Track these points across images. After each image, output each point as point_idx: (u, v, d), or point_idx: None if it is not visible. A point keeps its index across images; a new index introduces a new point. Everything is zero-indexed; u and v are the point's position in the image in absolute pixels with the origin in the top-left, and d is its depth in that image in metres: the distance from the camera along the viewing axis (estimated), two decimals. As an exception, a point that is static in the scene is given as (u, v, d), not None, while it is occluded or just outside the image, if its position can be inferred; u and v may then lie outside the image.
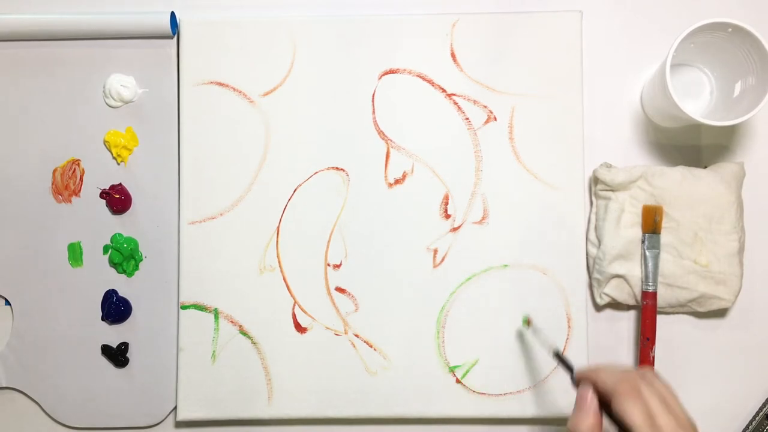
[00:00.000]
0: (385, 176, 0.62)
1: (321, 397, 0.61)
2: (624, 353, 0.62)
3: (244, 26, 0.62)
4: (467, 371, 0.61)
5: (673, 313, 0.62)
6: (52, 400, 0.63)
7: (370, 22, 0.62)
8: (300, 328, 0.62)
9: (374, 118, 0.62)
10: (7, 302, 0.63)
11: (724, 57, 0.59)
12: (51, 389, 0.62)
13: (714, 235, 0.59)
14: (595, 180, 0.61)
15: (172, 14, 0.63)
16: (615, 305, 0.62)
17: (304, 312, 0.62)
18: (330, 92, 0.62)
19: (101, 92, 0.63)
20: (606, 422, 0.47)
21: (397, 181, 0.62)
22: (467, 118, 0.62)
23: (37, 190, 0.63)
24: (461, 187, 0.62)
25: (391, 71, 0.62)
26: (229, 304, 0.62)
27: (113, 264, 0.63)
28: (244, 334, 0.61)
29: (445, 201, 0.62)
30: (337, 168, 0.62)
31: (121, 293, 0.63)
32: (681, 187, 0.59)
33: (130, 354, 0.63)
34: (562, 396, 0.60)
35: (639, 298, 0.60)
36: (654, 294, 0.59)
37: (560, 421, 0.62)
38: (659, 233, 0.59)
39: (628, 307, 0.62)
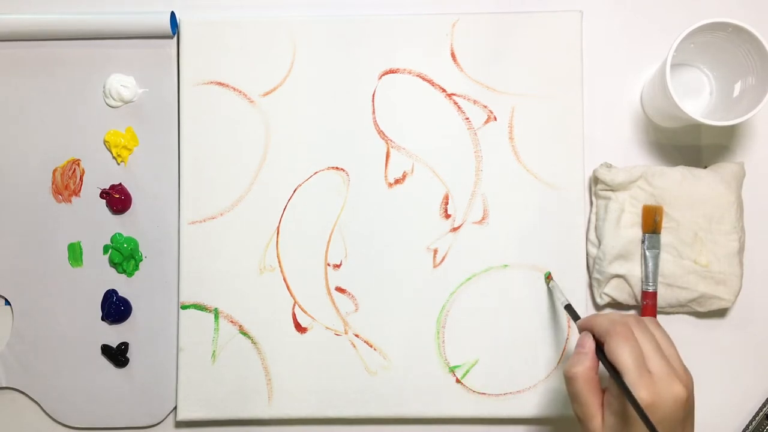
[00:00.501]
0: (385, 176, 0.62)
1: (321, 397, 0.61)
2: (624, 353, 0.62)
3: (244, 26, 0.62)
4: (467, 371, 0.61)
5: (673, 313, 0.62)
6: (52, 400, 0.63)
7: (370, 22, 0.62)
8: (300, 328, 0.62)
9: (374, 118, 0.62)
10: (7, 302, 0.63)
11: (724, 57, 0.59)
12: (51, 389, 0.62)
13: (714, 235, 0.59)
14: (595, 180, 0.61)
15: (172, 14, 0.63)
16: (615, 305, 0.62)
17: (304, 312, 0.62)
18: (330, 92, 0.62)
19: (101, 92, 0.63)
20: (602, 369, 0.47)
21: (397, 181, 0.62)
22: (467, 118, 0.62)
23: (37, 190, 0.63)
24: (461, 187, 0.62)
25: (391, 71, 0.62)
26: (229, 304, 0.62)
27: (113, 264, 0.63)
28: (244, 334, 0.61)
29: (445, 201, 0.62)
30: (337, 168, 0.62)
31: (121, 293, 0.63)
32: (681, 187, 0.59)
33: (130, 354, 0.63)
34: (562, 396, 0.60)
35: (639, 298, 0.60)
36: (654, 294, 0.59)
37: (560, 421, 0.62)
38: (659, 233, 0.59)
39: (628, 307, 0.62)
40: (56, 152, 0.63)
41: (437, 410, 0.61)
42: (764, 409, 0.62)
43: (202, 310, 0.62)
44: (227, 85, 0.62)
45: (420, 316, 0.61)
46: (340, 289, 0.62)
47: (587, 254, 0.62)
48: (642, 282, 0.60)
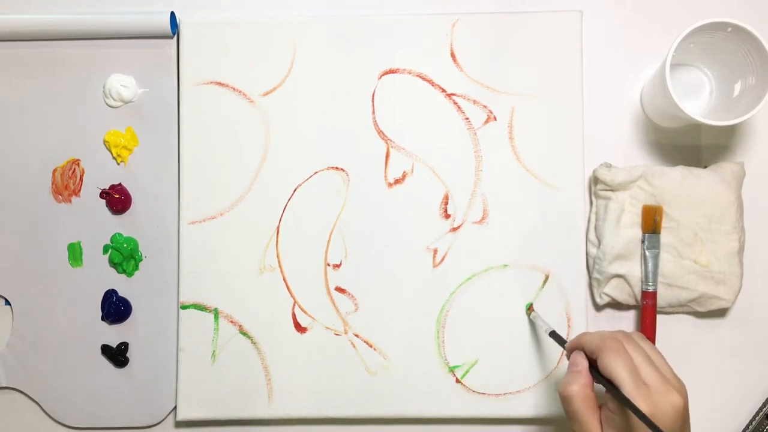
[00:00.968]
0: (385, 176, 0.62)
1: (321, 397, 0.61)
2: (624, 353, 0.62)
3: (244, 26, 0.62)
4: (467, 371, 0.61)
5: (673, 313, 0.62)
6: (52, 400, 0.63)
7: (370, 22, 0.62)
8: (300, 328, 0.62)
9: (374, 118, 0.62)
10: (7, 302, 0.63)
11: (724, 57, 0.59)
12: (51, 389, 0.62)
13: (714, 235, 0.59)
14: (595, 180, 0.61)
15: (172, 14, 0.63)
16: (615, 305, 0.62)
17: (304, 312, 0.62)
18: (330, 92, 0.62)
19: (101, 92, 0.63)
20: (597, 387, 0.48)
21: (397, 181, 0.62)
22: (467, 118, 0.62)
23: (37, 190, 0.63)
24: (461, 187, 0.62)
25: (391, 71, 0.62)
26: (229, 304, 0.62)
27: (113, 264, 0.63)
28: (244, 334, 0.61)
29: (445, 201, 0.62)
30: (337, 168, 0.62)
31: (121, 293, 0.63)
32: (681, 187, 0.59)
33: (130, 354, 0.63)
34: (562, 396, 0.61)
35: (639, 298, 0.60)
36: (654, 294, 0.59)
37: (560, 421, 0.62)
38: (659, 233, 0.59)
39: (628, 307, 0.62)
40: (56, 152, 0.63)
41: (437, 410, 0.61)
42: (764, 409, 0.62)
43: (202, 310, 0.62)
44: (227, 85, 0.62)
45: (420, 316, 0.61)
46: (339, 289, 0.62)
47: (587, 254, 0.62)
48: (642, 282, 0.60)
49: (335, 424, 0.63)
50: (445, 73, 0.62)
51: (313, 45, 0.62)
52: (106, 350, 0.62)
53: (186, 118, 0.62)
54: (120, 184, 0.63)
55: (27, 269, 0.63)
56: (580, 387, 0.47)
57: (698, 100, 0.62)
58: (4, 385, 0.63)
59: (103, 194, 0.63)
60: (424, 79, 0.62)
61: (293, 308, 0.62)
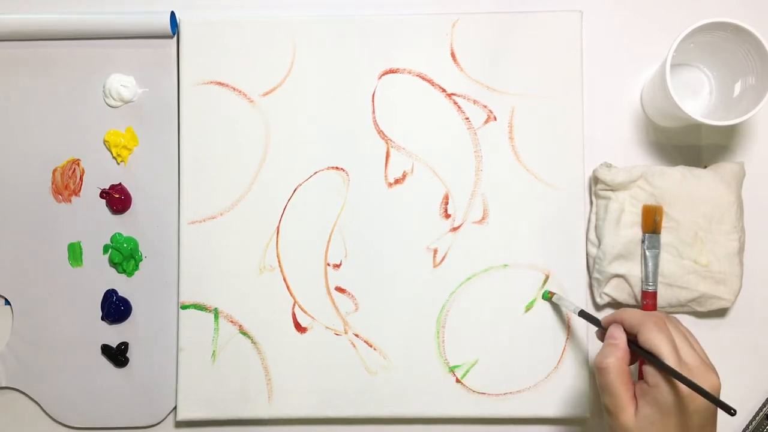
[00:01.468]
0: (385, 176, 0.62)
1: (321, 397, 0.61)
2: (624, 353, 0.62)
3: (244, 26, 0.62)
4: (467, 371, 0.61)
5: (673, 312, 0.62)
6: (52, 400, 0.63)
7: (370, 22, 0.62)
8: (300, 328, 0.62)
9: (374, 117, 0.62)
10: (7, 302, 0.63)
11: (724, 57, 0.59)
12: (51, 389, 0.62)
13: (714, 235, 0.59)
14: (595, 180, 0.61)
15: (172, 14, 0.63)
16: (615, 305, 0.62)
17: (304, 312, 0.62)
18: (330, 92, 0.62)
19: (101, 92, 0.63)
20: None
21: (397, 181, 0.62)
22: (467, 118, 0.62)
23: (37, 190, 0.63)
24: (461, 186, 0.62)
25: (391, 71, 0.62)
26: (229, 304, 0.62)
27: (113, 264, 0.63)
28: (244, 333, 0.61)
29: (445, 201, 0.62)
30: (337, 168, 0.62)
31: (121, 293, 0.63)
32: (681, 187, 0.59)
33: (130, 354, 0.63)
34: (562, 396, 0.60)
35: (639, 297, 0.60)
36: (654, 294, 0.59)
37: (560, 422, 0.62)
38: (659, 233, 0.59)
39: (628, 307, 0.62)
40: (56, 152, 0.63)
41: (437, 410, 0.61)
42: (764, 409, 0.62)
43: (202, 310, 0.62)
44: (227, 85, 0.62)
45: (420, 316, 0.61)
46: (340, 289, 0.62)
47: (587, 254, 0.62)
48: (642, 282, 0.60)
49: (335, 424, 0.63)
50: (445, 73, 0.62)
51: (313, 45, 0.62)
52: (106, 350, 0.62)
53: (186, 118, 0.62)
54: (120, 184, 0.63)
55: (27, 269, 0.63)
56: (617, 360, 0.47)
57: (698, 100, 0.62)
58: (4, 385, 0.63)
59: (103, 194, 0.63)
60: (424, 79, 0.62)
61: (293, 308, 0.62)
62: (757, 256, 0.62)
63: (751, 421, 0.62)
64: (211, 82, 0.62)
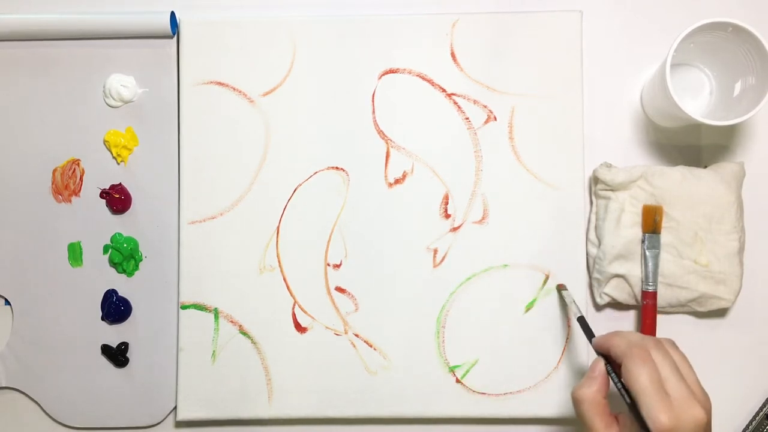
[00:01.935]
0: (385, 176, 0.62)
1: (321, 397, 0.61)
2: (624, 353, 0.62)
3: (244, 26, 0.62)
4: (467, 371, 0.61)
5: (673, 312, 0.62)
6: (52, 400, 0.63)
7: (370, 22, 0.62)
8: (300, 328, 0.62)
9: (374, 117, 0.62)
10: (7, 302, 0.63)
11: (724, 57, 0.59)
12: (51, 389, 0.62)
13: (714, 235, 0.59)
14: (595, 180, 0.61)
15: (172, 14, 0.63)
16: (615, 305, 0.62)
17: (304, 312, 0.62)
18: (330, 92, 0.62)
19: (101, 92, 0.63)
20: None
21: (397, 181, 0.62)
22: (467, 118, 0.62)
23: (37, 190, 0.63)
24: (461, 186, 0.62)
25: (391, 71, 0.62)
26: (229, 304, 0.62)
27: (113, 264, 0.63)
28: (244, 333, 0.61)
29: (445, 201, 0.62)
30: (337, 168, 0.62)
31: (121, 293, 0.63)
32: (681, 187, 0.59)
33: (130, 354, 0.63)
34: (562, 396, 0.60)
35: (639, 297, 0.60)
36: (654, 294, 0.59)
37: (560, 422, 0.62)
38: (659, 233, 0.59)
39: (628, 307, 0.62)
40: (56, 152, 0.63)
41: (437, 410, 0.61)
42: (764, 409, 0.62)
43: (202, 310, 0.62)
44: (227, 85, 0.62)
45: (420, 316, 0.61)
46: (340, 289, 0.62)
47: (587, 254, 0.62)
48: (642, 282, 0.60)
49: (335, 424, 0.63)
50: (445, 73, 0.62)
51: (313, 45, 0.62)
52: (106, 350, 0.62)
53: (186, 118, 0.62)
54: (120, 184, 0.63)
55: (27, 269, 0.63)
56: (592, 392, 0.47)
57: (698, 100, 0.62)
58: (4, 385, 0.63)
59: (103, 194, 0.63)
60: (424, 79, 0.62)
61: (293, 308, 0.62)
62: (757, 256, 0.62)
63: (751, 421, 0.62)
64: (211, 82, 0.62)
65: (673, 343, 0.49)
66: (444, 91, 0.62)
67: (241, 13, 0.64)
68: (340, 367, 0.61)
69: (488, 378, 0.61)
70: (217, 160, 0.62)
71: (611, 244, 0.59)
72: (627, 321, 0.62)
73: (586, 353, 0.61)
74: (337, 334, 0.61)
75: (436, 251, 0.62)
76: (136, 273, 0.63)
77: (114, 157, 0.63)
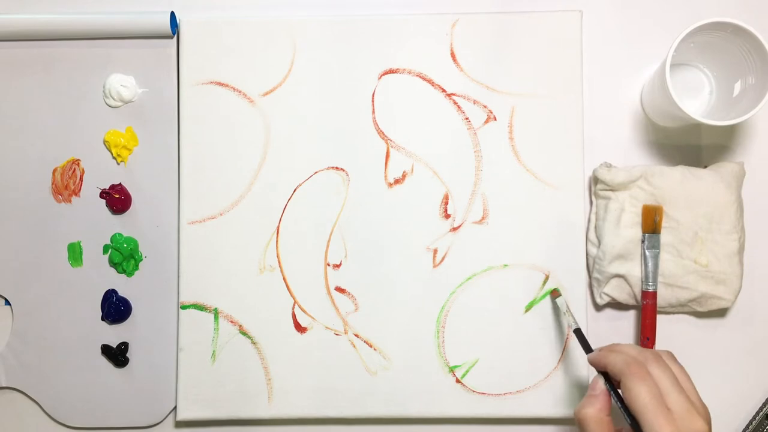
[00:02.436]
0: (385, 176, 0.62)
1: (321, 397, 0.61)
2: (624, 353, 0.62)
3: (244, 26, 0.62)
4: (467, 371, 0.61)
5: (673, 312, 0.62)
6: (52, 400, 0.63)
7: (370, 22, 0.62)
8: (300, 328, 0.62)
9: (374, 117, 0.62)
10: (7, 302, 0.63)
11: (724, 57, 0.59)
12: (51, 389, 0.62)
13: (714, 235, 0.59)
14: (595, 180, 0.61)
15: (172, 14, 0.63)
16: (615, 305, 0.62)
17: (304, 312, 0.62)
18: (330, 92, 0.62)
19: (101, 92, 0.63)
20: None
21: (397, 181, 0.62)
22: (467, 118, 0.62)
23: (37, 190, 0.63)
24: (461, 186, 0.62)
25: (391, 71, 0.62)
26: (229, 304, 0.62)
27: (113, 264, 0.63)
28: (244, 333, 0.61)
29: (445, 201, 0.62)
30: (337, 168, 0.62)
31: (121, 293, 0.63)
32: (681, 187, 0.59)
33: (130, 354, 0.63)
34: (562, 396, 0.60)
35: (639, 297, 0.60)
36: (654, 294, 0.59)
37: (560, 421, 0.62)
38: (659, 233, 0.59)
39: (628, 307, 0.62)
40: (56, 152, 0.63)
41: (437, 410, 0.61)
42: (764, 409, 0.62)
43: (202, 310, 0.62)
44: (227, 85, 0.62)
45: (420, 316, 0.61)
46: (339, 289, 0.62)
47: (587, 254, 0.62)
48: (642, 282, 0.60)
49: (335, 424, 0.63)
50: (445, 73, 0.62)
51: (313, 45, 0.62)
52: (106, 350, 0.62)
53: (186, 118, 0.62)
54: (120, 184, 0.63)
55: (27, 269, 0.63)
56: (595, 411, 0.47)
57: (698, 100, 0.62)
58: (4, 385, 0.63)
59: (103, 194, 0.63)
60: (424, 79, 0.62)
61: (293, 308, 0.62)
62: (757, 256, 0.62)
63: (751, 421, 0.62)
64: (211, 82, 0.62)
65: (671, 356, 0.49)
66: (444, 91, 0.62)
67: (241, 13, 0.64)
68: (340, 367, 0.61)
69: (488, 378, 0.61)
70: (217, 160, 0.62)
71: (611, 244, 0.59)
72: (627, 321, 0.62)
73: (586, 353, 0.61)
74: (337, 334, 0.61)
75: (436, 251, 0.62)
76: (136, 273, 0.63)
77: (114, 157, 0.63)
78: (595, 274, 0.61)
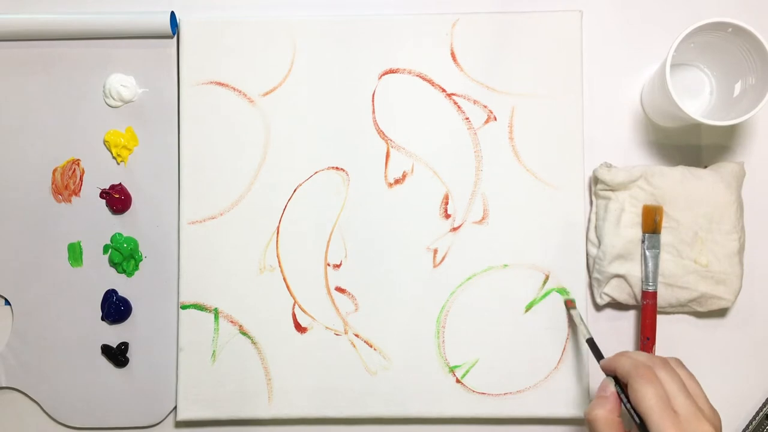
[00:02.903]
0: (385, 176, 0.62)
1: (321, 397, 0.61)
2: (624, 353, 0.62)
3: (244, 26, 0.62)
4: (467, 371, 0.61)
5: (673, 313, 0.62)
6: (52, 400, 0.63)
7: (370, 22, 0.62)
8: (300, 328, 0.62)
9: (374, 117, 0.62)
10: (7, 302, 0.63)
11: (724, 57, 0.59)
12: (51, 389, 0.62)
13: (714, 235, 0.59)
14: (595, 180, 0.61)
15: (172, 14, 0.63)
16: (615, 305, 0.62)
17: (304, 312, 0.62)
18: (330, 92, 0.62)
19: (101, 92, 0.63)
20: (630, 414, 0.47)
21: (397, 181, 0.62)
22: (467, 118, 0.62)
23: (37, 190, 0.63)
24: (461, 186, 0.62)
25: (391, 71, 0.62)
26: (229, 304, 0.62)
27: (113, 264, 0.63)
28: (244, 333, 0.61)
29: (445, 201, 0.62)
30: (337, 168, 0.62)
31: (121, 293, 0.63)
32: (681, 187, 0.59)
33: (130, 354, 0.63)
34: (562, 396, 0.60)
35: (639, 297, 0.60)
36: (654, 294, 0.59)
37: (560, 421, 0.62)
38: (659, 233, 0.59)
39: (628, 307, 0.62)
40: (56, 152, 0.63)
41: (437, 410, 0.61)
42: (764, 409, 0.62)
43: (202, 310, 0.62)
44: (227, 85, 0.62)
45: (420, 316, 0.61)
46: (340, 289, 0.62)
47: (587, 254, 0.62)
48: (642, 282, 0.60)
49: (335, 424, 0.63)
50: (445, 73, 0.62)
51: (313, 45, 0.62)
52: (106, 350, 0.62)
53: (186, 118, 0.62)
54: (120, 184, 0.63)
55: (27, 269, 0.63)
56: (605, 412, 0.47)
57: (698, 100, 0.62)
58: (4, 385, 0.63)
59: (103, 194, 0.63)
60: (424, 79, 0.62)
61: (293, 308, 0.62)
62: (757, 256, 0.62)
63: (751, 421, 0.62)
64: (211, 82, 0.62)
65: (679, 362, 0.50)
66: (444, 91, 0.62)
67: (241, 13, 0.64)
68: (340, 367, 0.61)
69: (488, 378, 0.61)
70: (217, 160, 0.62)
71: (611, 244, 0.59)
72: (627, 321, 0.62)
73: (586, 354, 0.61)
74: (337, 334, 0.61)
75: (436, 251, 0.62)
76: (136, 273, 0.63)
77: (114, 157, 0.63)
78: (595, 274, 0.61)
